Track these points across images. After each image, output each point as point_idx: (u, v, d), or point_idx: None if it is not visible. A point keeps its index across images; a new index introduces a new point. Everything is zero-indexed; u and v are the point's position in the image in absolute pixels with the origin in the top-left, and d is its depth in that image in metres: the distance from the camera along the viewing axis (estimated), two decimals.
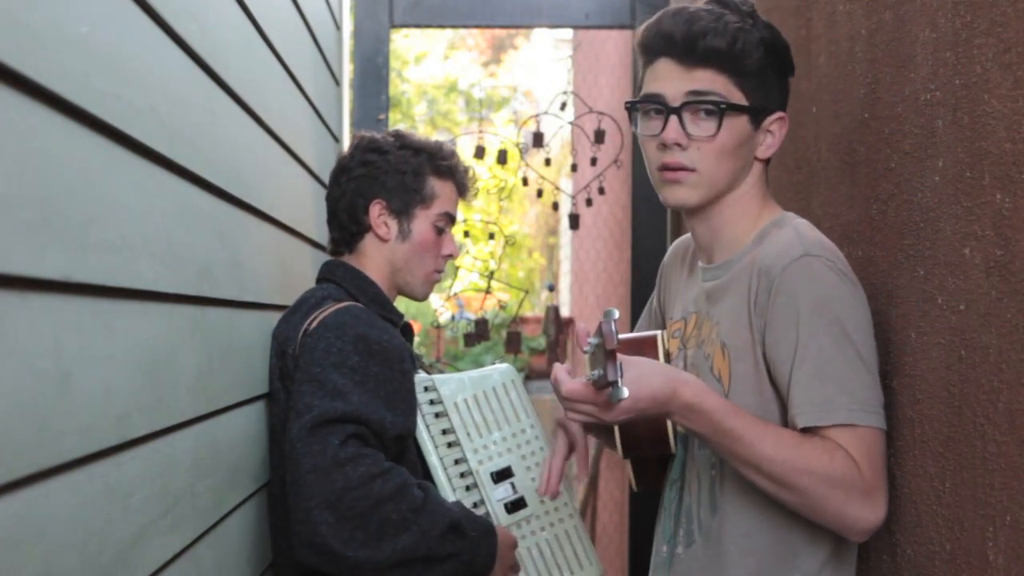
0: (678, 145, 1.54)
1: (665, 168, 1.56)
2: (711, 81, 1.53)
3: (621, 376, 1.31)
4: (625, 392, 1.30)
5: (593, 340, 1.39)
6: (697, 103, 1.53)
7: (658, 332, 1.61)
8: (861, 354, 1.44)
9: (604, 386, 1.33)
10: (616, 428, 1.51)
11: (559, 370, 1.46)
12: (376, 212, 2.11)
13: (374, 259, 2.13)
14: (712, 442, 1.44)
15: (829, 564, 1.51)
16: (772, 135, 1.59)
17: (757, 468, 1.42)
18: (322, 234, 2.74)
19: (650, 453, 1.58)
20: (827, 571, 1.50)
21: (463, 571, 1.84)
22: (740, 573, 1.52)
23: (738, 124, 1.55)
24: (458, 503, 1.93)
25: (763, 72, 1.56)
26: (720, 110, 1.52)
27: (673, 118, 1.54)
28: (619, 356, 1.32)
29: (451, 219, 2.18)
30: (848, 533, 1.44)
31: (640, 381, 1.37)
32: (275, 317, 2.07)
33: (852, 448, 1.40)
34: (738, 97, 1.54)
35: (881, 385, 1.53)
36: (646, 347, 1.58)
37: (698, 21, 1.53)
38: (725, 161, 1.55)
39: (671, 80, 1.55)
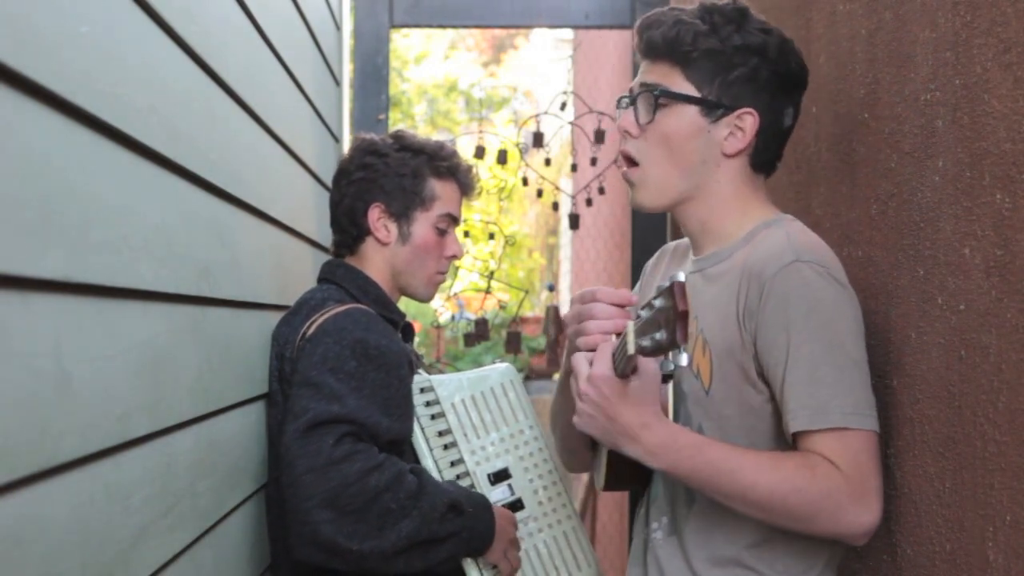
0: (629, 134, 1.59)
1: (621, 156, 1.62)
2: (662, 74, 1.57)
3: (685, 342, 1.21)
4: (684, 360, 1.21)
5: (658, 303, 1.24)
6: (642, 92, 1.58)
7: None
8: (853, 357, 1.43)
9: (659, 352, 1.23)
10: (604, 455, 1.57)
11: (587, 358, 1.46)
12: (375, 216, 2.11)
13: (375, 262, 2.12)
14: (692, 479, 1.44)
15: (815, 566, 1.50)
16: (741, 131, 1.56)
17: (743, 498, 1.41)
18: (322, 234, 2.74)
19: (632, 483, 1.66)
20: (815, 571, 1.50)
21: (465, 547, 1.87)
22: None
23: (684, 114, 1.55)
24: (453, 483, 1.93)
25: (723, 67, 1.54)
26: (655, 96, 1.55)
27: (629, 108, 1.59)
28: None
29: (453, 220, 2.17)
30: (845, 539, 1.43)
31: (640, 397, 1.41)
32: (275, 317, 2.07)
33: (841, 452, 1.39)
34: (686, 88, 1.55)
35: (881, 385, 1.53)
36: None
37: (653, 17, 1.58)
38: (671, 154, 1.56)
39: (638, 76, 1.61)
